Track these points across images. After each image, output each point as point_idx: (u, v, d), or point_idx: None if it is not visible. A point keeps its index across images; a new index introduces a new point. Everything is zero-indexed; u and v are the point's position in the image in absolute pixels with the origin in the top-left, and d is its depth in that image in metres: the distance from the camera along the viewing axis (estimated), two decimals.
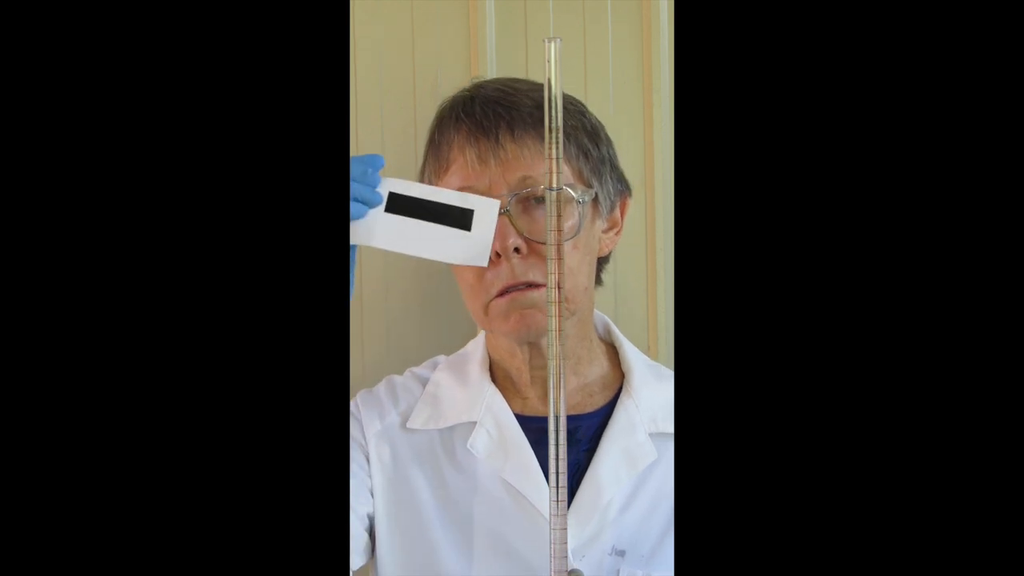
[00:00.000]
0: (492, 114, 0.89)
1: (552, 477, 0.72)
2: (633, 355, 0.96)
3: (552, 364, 0.71)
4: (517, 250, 0.86)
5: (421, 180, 0.95)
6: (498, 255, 0.86)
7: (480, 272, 0.88)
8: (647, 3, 1.10)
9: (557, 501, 0.72)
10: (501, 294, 0.88)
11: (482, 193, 0.87)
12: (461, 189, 0.88)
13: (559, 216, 0.71)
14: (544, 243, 0.86)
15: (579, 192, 0.89)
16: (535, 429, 0.92)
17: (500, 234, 0.85)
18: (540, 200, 0.87)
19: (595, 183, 0.91)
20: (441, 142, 0.92)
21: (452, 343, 1.06)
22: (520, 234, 0.86)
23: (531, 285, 0.87)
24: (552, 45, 0.69)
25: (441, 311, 1.12)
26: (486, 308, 0.89)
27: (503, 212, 0.86)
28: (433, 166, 0.92)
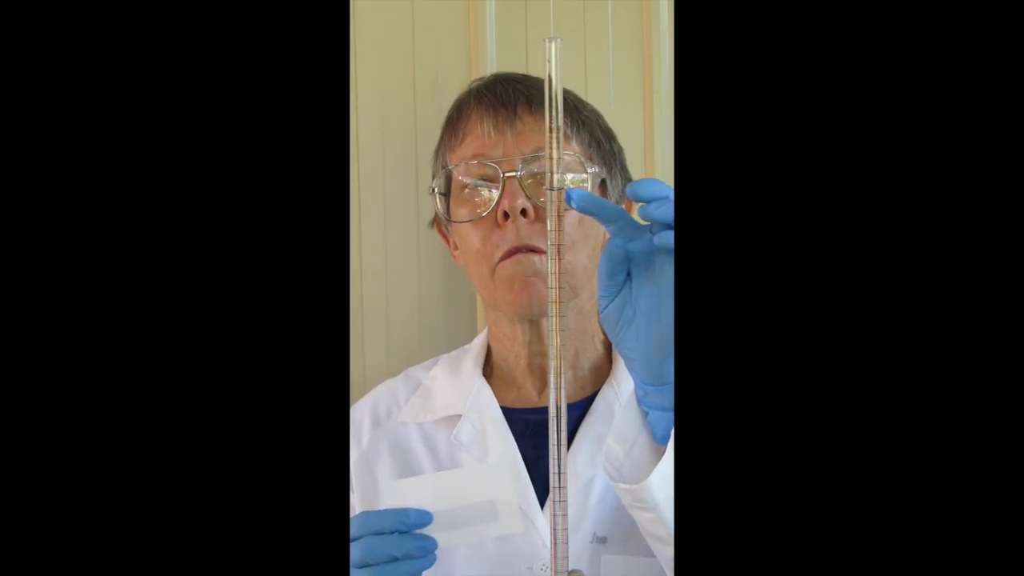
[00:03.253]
0: (512, 90, 0.92)
1: (553, 476, 0.72)
2: None
3: (553, 363, 0.71)
4: (524, 213, 0.88)
5: (436, 159, 0.97)
6: (506, 216, 0.89)
7: (487, 234, 0.90)
8: (647, 3, 1.10)
9: (559, 501, 0.72)
10: (506, 256, 0.89)
11: (495, 161, 0.89)
12: (474, 157, 0.91)
13: (559, 216, 0.71)
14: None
15: (589, 164, 0.92)
16: (519, 421, 0.92)
17: (509, 195, 0.89)
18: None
19: (604, 170, 0.94)
20: (459, 116, 0.94)
21: (452, 343, 1.06)
22: (528, 198, 0.88)
23: (534, 249, 0.89)
24: (552, 45, 0.69)
25: (441, 311, 1.12)
26: (492, 272, 0.90)
27: (514, 175, 0.88)
28: (449, 139, 0.95)
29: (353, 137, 1.11)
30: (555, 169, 0.70)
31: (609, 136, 0.96)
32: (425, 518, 0.78)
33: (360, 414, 0.99)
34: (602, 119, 0.97)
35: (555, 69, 0.69)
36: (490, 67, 1.09)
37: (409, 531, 0.78)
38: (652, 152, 1.10)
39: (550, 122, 0.69)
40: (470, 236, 0.91)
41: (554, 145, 0.70)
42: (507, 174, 0.89)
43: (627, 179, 0.97)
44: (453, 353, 1.01)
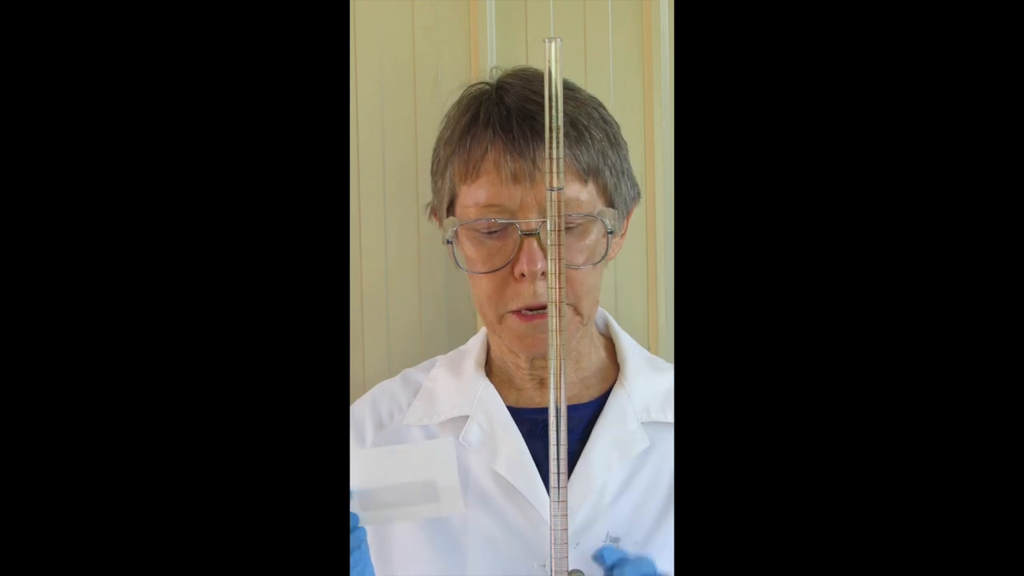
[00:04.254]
0: (529, 131, 0.87)
1: (553, 476, 0.72)
2: (629, 347, 0.97)
3: (552, 363, 0.71)
4: (543, 273, 0.86)
5: (442, 176, 0.93)
6: (523, 275, 0.86)
7: (500, 286, 0.87)
8: (647, 3, 1.10)
9: (558, 501, 0.72)
10: (521, 315, 0.87)
11: (511, 212, 0.86)
12: (488, 205, 0.87)
13: (560, 216, 0.71)
14: (573, 266, 0.87)
15: (609, 219, 0.88)
16: (527, 421, 0.92)
17: (528, 257, 0.85)
18: (570, 227, 0.87)
19: (616, 198, 0.91)
20: (473, 147, 0.89)
21: (452, 343, 1.06)
22: (547, 256, 0.86)
23: None
24: (552, 45, 0.69)
25: (441, 311, 1.12)
26: (501, 319, 0.89)
27: (532, 234, 0.85)
28: (460, 168, 0.90)
29: (353, 137, 1.11)
30: (555, 169, 0.70)
31: (616, 140, 0.92)
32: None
33: (360, 414, 0.98)
34: (607, 123, 0.93)
35: (555, 69, 0.69)
36: (490, 67, 1.09)
37: None
38: (652, 152, 1.10)
39: (550, 122, 0.69)
40: (483, 281, 0.89)
41: (554, 145, 0.70)
42: (525, 233, 0.86)
43: (632, 184, 0.95)
44: (450, 355, 1.00)
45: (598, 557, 0.77)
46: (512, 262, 0.87)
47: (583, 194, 0.88)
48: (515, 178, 0.87)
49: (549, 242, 0.71)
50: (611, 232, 0.89)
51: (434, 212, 0.97)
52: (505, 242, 0.87)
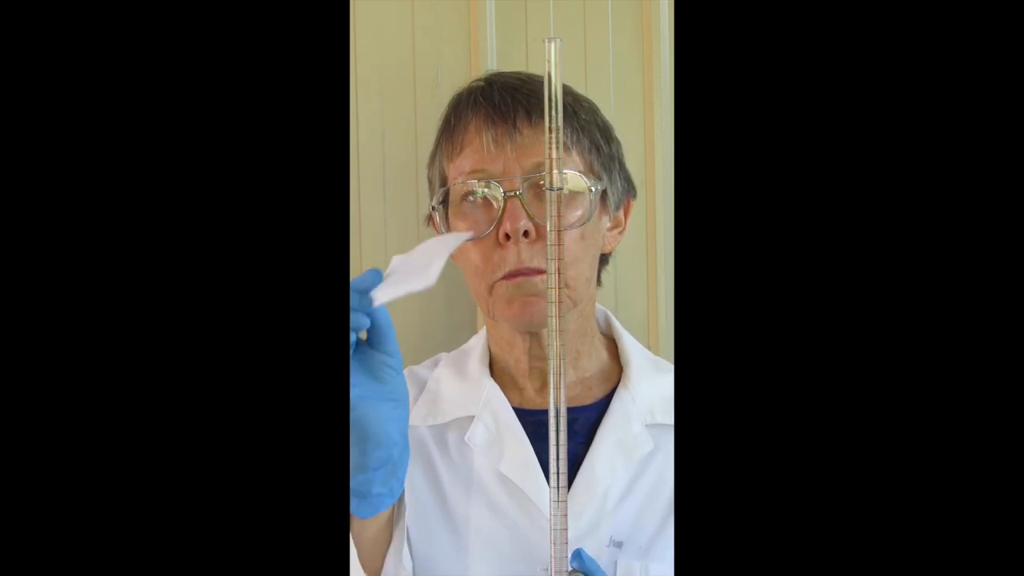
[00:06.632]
0: (511, 99, 0.90)
1: (553, 477, 0.72)
2: (632, 348, 0.96)
3: (552, 363, 0.71)
4: (526, 234, 0.87)
5: (432, 165, 0.96)
6: (507, 237, 0.87)
7: (487, 254, 0.89)
8: (647, 3, 1.10)
9: (558, 501, 0.72)
10: (507, 277, 0.88)
11: (496, 176, 0.88)
12: (473, 171, 0.89)
13: (559, 216, 0.71)
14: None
15: (591, 180, 0.90)
16: (532, 422, 0.92)
17: (511, 216, 0.87)
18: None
19: (605, 178, 0.92)
20: (456, 125, 0.92)
21: (452, 342, 1.06)
22: (531, 218, 0.87)
23: (537, 271, 0.87)
24: (552, 45, 0.69)
25: (441, 310, 1.12)
26: (491, 289, 0.89)
27: (515, 194, 0.87)
28: (447, 148, 0.93)
29: (353, 137, 1.11)
30: (554, 169, 0.70)
31: (607, 134, 0.95)
32: (376, 277, 0.76)
33: None
34: (599, 115, 0.95)
35: (555, 69, 0.69)
36: (490, 67, 1.09)
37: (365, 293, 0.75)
38: (652, 152, 1.10)
39: (550, 122, 0.69)
40: (470, 252, 0.90)
41: (553, 145, 0.70)
42: (508, 193, 0.87)
43: (626, 178, 0.96)
44: (453, 354, 1.00)
45: (574, 557, 0.78)
46: (497, 226, 0.87)
47: (568, 163, 0.89)
48: (497, 143, 0.88)
49: (549, 242, 0.71)
50: (592, 191, 0.89)
51: (431, 219, 0.97)
52: (490, 211, 0.89)
